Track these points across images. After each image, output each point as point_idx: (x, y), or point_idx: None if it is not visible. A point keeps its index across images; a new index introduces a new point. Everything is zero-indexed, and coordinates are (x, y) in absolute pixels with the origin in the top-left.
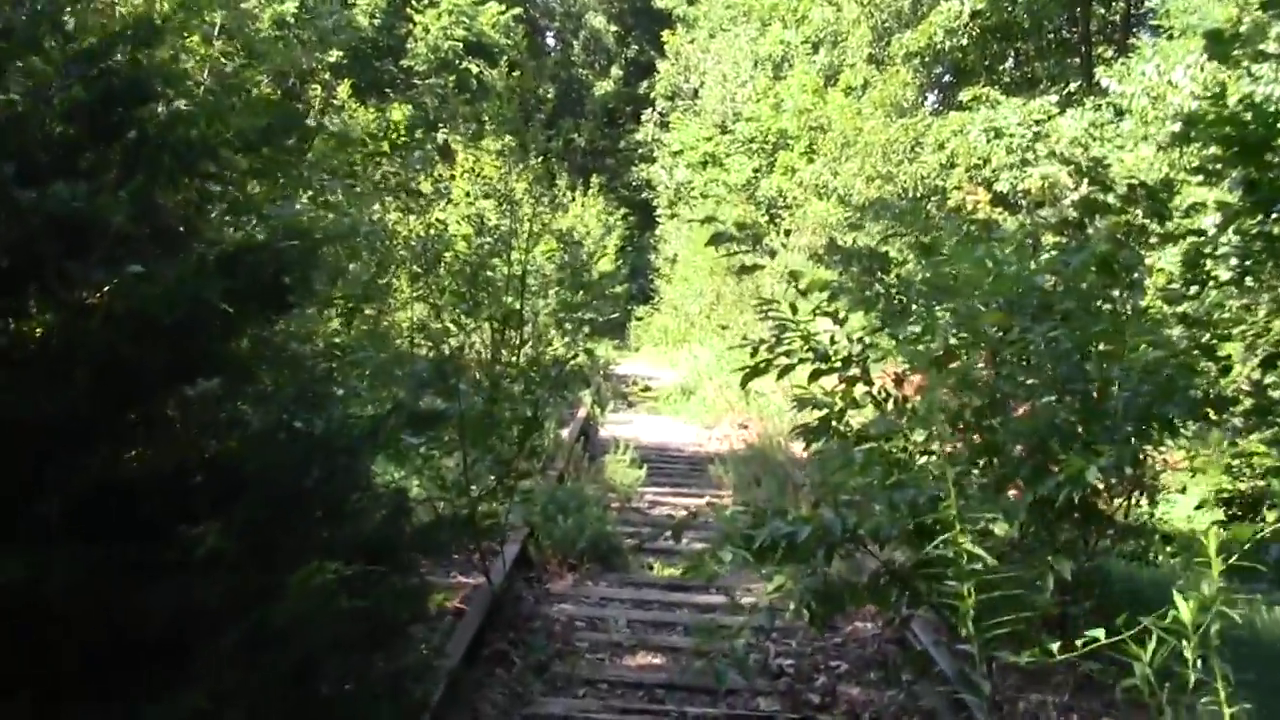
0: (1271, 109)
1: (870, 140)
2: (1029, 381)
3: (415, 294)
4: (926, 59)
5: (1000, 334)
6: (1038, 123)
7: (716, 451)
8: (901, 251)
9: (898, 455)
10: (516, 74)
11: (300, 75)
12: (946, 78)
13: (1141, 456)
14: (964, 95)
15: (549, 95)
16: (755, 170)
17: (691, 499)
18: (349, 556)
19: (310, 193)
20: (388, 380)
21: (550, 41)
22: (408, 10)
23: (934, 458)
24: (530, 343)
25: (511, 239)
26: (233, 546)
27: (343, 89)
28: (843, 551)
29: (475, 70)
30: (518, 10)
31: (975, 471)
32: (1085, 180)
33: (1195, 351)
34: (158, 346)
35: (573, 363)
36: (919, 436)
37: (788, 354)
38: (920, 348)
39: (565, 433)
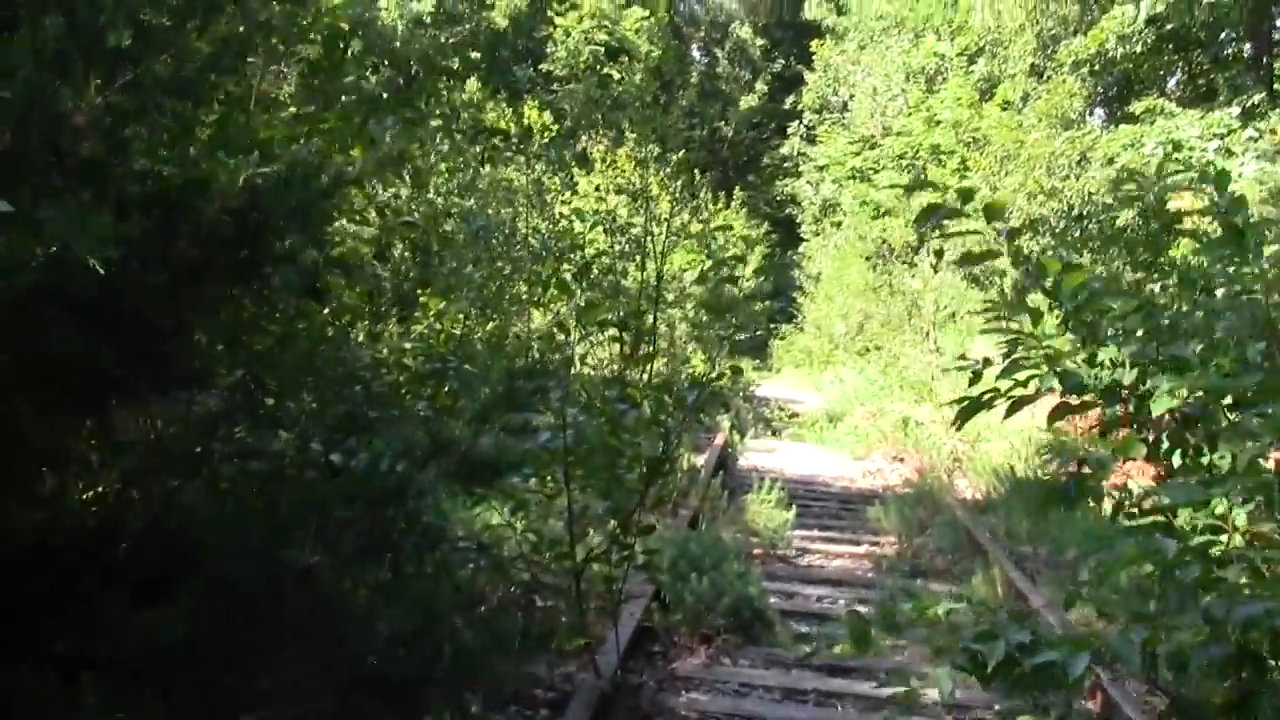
0: None
1: (1033, 154)
2: None
3: (532, 300)
4: (1096, 67)
5: None
6: (1218, 136)
7: (870, 488)
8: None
9: (1208, 539)
10: (656, 53)
11: (423, 63)
12: (1110, 91)
13: None
14: (1136, 107)
15: (692, 79)
16: (904, 188)
17: (847, 546)
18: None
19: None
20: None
21: (695, 53)
22: (548, 13)
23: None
24: (664, 360)
25: (646, 240)
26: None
27: (470, 84)
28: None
29: (617, 76)
30: (662, 15)
31: None
32: None
33: None
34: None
35: (714, 385)
36: (1228, 509)
37: (1025, 382)
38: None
39: (701, 461)
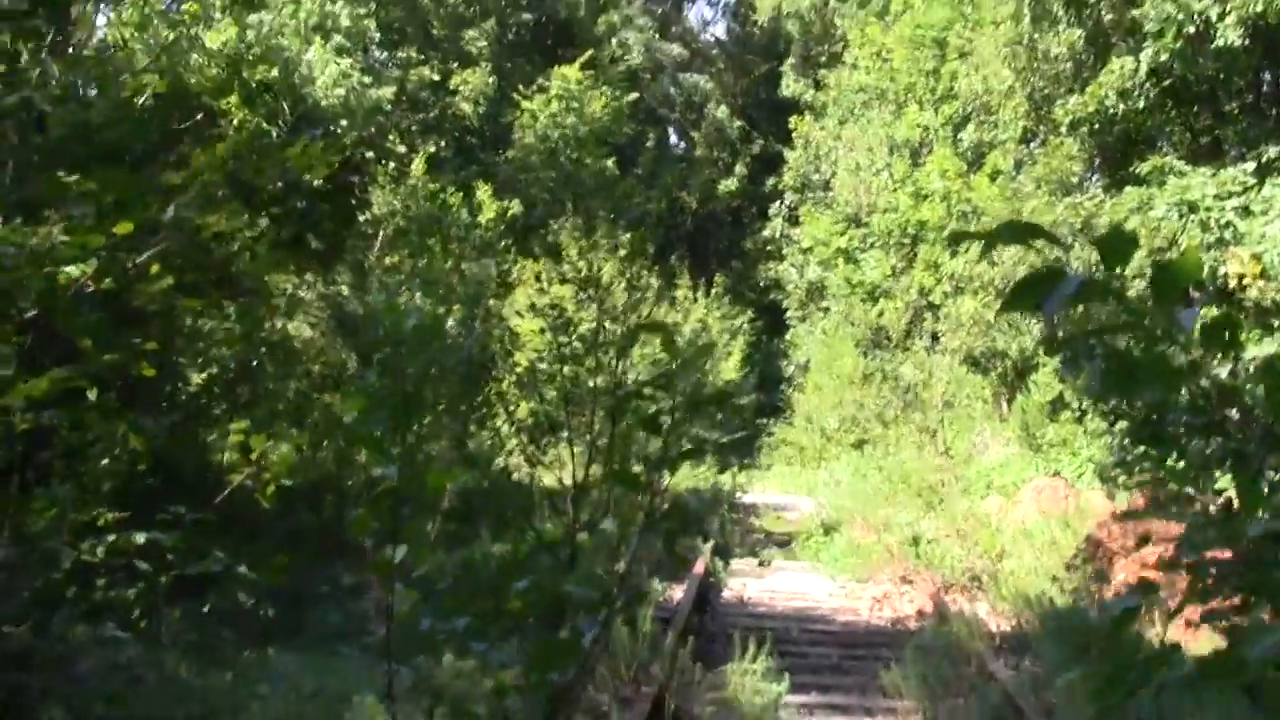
0: None
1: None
2: None
3: (438, 425)
4: (1095, 126)
5: None
6: (1232, 194)
7: (878, 624)
8: None
9: None
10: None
11: (357, 143)
12: (1109, 153)
13: None
14: (1142, 167)
15: (648, 144)
16: (892, 267)
17: None
18: None
19: None
20: None
21: (672, 137)
22: (515, 96)
23: None
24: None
25: (599, 336)
26: None
27: (417, 163)
28: None
29: (587, 160)
30: (634, 96)
31: None
32: None
33: None
34: None
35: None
36: None
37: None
38: None
39: (679, 597)
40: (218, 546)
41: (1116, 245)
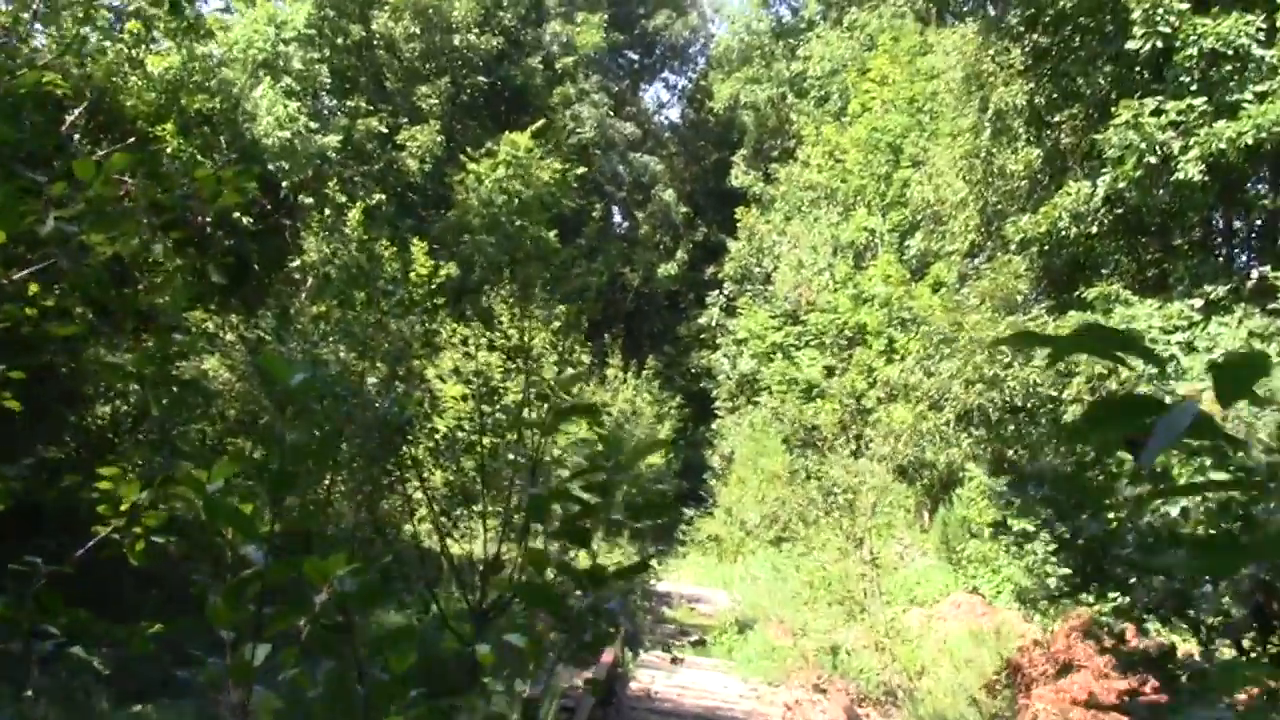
0: None
1: (975, 337)
2: None
3: (351, 484)
4: (1045, 247)
5: None
6: (1178, 329)
7: None
8: None
9: None
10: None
11: (295, 187)
12: (1057, 276)
13: None
14: (1090, 293)
15: (595, 215)
16: (827, 368)
17: None
18: None
19: None
20: None
21: (616, 216)
22: (462, 157)
23: None
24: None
25: (525, 410)
26: None
27: (354, 213)
28: None
29: (528, 228)
30: (582, 170)
31: None
32: None
33: None
34: None
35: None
36: None
37: None
38: None
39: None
40: (77, 606)
41: (1238, 373)
